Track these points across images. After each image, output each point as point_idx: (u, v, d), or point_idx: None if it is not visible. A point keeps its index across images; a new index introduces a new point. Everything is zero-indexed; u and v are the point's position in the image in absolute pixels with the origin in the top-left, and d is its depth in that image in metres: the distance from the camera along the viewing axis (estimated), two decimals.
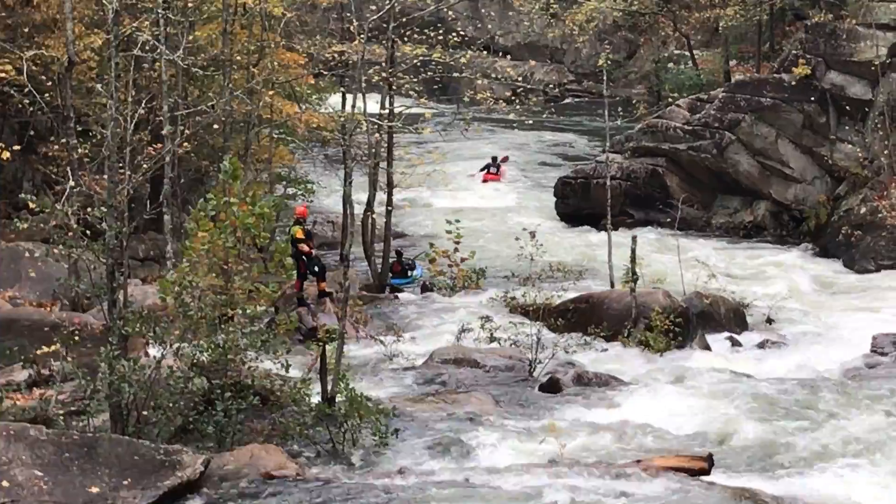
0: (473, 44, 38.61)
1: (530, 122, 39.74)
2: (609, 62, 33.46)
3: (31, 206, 17.94)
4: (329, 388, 17.37)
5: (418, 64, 29.00)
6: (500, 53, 56.09)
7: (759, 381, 20.77)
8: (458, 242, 29.39)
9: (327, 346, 17.82)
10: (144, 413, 15.96)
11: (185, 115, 26.50)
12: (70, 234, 17.73)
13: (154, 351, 16.91)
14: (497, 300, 26.75)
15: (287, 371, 17.43)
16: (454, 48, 31.56)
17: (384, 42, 29.88)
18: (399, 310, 26.98)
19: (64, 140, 24.78)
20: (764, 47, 42.74)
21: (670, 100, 38.74)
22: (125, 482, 14.07)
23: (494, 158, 43.54)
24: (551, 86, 57.56)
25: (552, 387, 20.51)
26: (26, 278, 25.05)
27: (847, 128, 34.55)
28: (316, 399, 17.26)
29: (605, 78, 33.11)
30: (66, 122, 24.70)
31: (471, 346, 23.30)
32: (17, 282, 25.05)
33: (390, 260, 29.98)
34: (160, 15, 24.24)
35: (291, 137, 33.32)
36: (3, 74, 25.24)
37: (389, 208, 29.64)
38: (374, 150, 29.07)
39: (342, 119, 28.59)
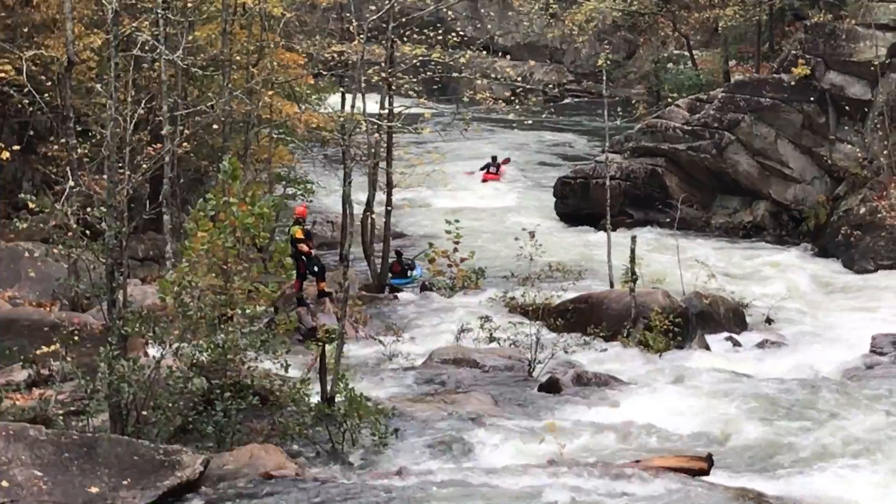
0: (473, 44, 38.59)
1: (530, 122, 39.83)
2: (608, 62, 33.48)
3: (31, 205, 17.93)
4: (328, 388, 17.37)
5: (418, 64, 29.01)
6: (500, 53, 56.08)
7: (758, 381, 20.78)
8: (457, 242, 29.39)
9: (327, 346, 17.82)
10: (144, 413, 15.96)
11: (184, 115, 26.51)
12: (70, 234, 17.73)
13: (153, 351, 16.91)
14: (496, 300, 26.75)
15: (286, 371, 17.43)
16: (453, 48, 31.56)
17: (383, 42, 29.90)
18: (398, 310, 26.98)
19: (63, 140, 24.79)
20: (763, 47, 42.76)
21: (670, 100, 38.76)
22: (125, 482, 14.07)
23: (494, 158, 43.53)
24: (551, 86, 57.54)
25: (552, 387, 20.51)
26: (26, 278, 25.05)
27: (846, 128, 34.55)
28: (315, 399, 17.25)
29: (604, 78, 33.13)
30: (65, 122, 24.70)
31: (470, 346, 23.31)
32: (17, 282, 25.05)
33: (390, 260, 29.99)
34: (160, 15, 24.27)
35: (291, 137, 33.32)
36: (2, 74, 25.24)
37: (389, 208, 29.64)
38: (373, 150, 29.08)
39: (342, 119, 28.62)
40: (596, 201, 33.29)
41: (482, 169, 43.09)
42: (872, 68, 33.36)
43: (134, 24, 21.96)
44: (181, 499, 14.25)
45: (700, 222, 35.50)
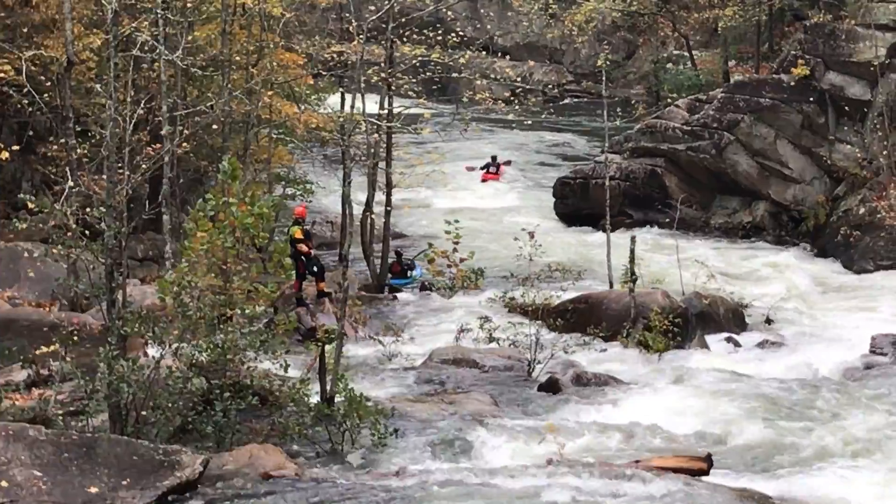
0: (472, 44, 38.54)
1: (529, 122, 39.81)
2: (608, 62, 33.47)
3: (30, 206, 17.94)
4: (328, 388, 17.38)
5: (417, 64, 29.01)
6: (499, 54, 55.98)
7: (758, 382, 20.78)
8: (456, 242, 29.37)
9: (326, 347, 17.83)
10: (143, 413, 15.96)
11: (183, 115, 26.49)
12: (69, 234, 17.74)
13: (153, 351, 16.91)
14: (496, 300, 26.75)
15: (286, 371, 17.44)
16: (453, 48, 31.56)
17: (383, 42, 29.90)
18: (398, 310, 26.99)
19: (63, 140, 24.78)
20: (763, 48, 42.77)
21: (669, 100, 38.75)
22: (124, 482, 14.07)
23: (494, 158, 43.52)
24: (550, 86, 57.53)
25: (551, 387, 20.51)
26: (25, 278, 25.04)
27: (846, 128, 34.54)
28: (315, 399, 17.25)
29: (604, 78, 33.13)
30: (64, 123, 24.69)
31: (470, 347, 23.31)
32: (16, 282, 25.04)
33: (390, 260, 29.97)
34: (159, 15, 24.27)
35: (290, 138, 33.30)
36: (2, 75, 25.23)
37: (388, 208, 29.62)
38: (372, 151, 29.07)
39: (341, 119, 28.61)
40: (595, 201, 33.28)
41: (482, 168, 43.09)
42: (872, 69, 33.35)
43: (133, 25, 21.95)
44: (181, 499, 14.25)
45: (699, 222, 35.49)
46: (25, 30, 27.54)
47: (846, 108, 34.22)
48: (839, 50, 34.07)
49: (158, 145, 23.91)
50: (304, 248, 24.57)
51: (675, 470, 15.35)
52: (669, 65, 51.47)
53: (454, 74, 29.92)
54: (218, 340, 16.57)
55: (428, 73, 29.12)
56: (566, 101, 58.38)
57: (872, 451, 17.03)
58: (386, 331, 24.67)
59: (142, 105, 20.01)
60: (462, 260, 29.28)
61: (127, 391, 15.64)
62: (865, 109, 34.02)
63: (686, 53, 49.97)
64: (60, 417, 16.01)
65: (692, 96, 38.70)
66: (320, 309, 24.91)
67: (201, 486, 14.54)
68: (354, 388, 17.06)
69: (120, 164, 17.88)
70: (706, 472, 15.63)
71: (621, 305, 24.39)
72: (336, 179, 33.00)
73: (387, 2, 27.70)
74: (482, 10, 60.15)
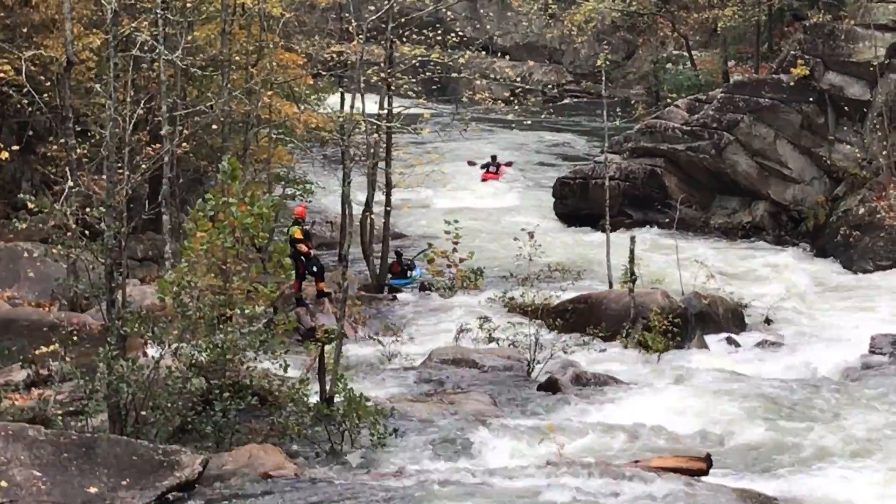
0: (472, 44, 38.54)
1: (529, 122, 39.82)
2: (607, 62, 33.47)
3: (30, 206, 17.94)
4: (327, 388, 17.37)
5: (417, 64, 29.02)
6: (499, 54, 55.98)
7: (758, 381, 20.78)
8: (456, 243, 29.38)
9: (326, 347, 17.82)
10: (143, 413, 15.95)
11: (183, 115, 26.50)
12: (69, 234, 17.74)
13: (152, 351, 16.91)
14: (495, 300, 26.76)
15: (285, 371, 17.43)
16: (453, 48, 31.57)
17: (383, 42, 29.90)
18: (397, 310, 26.99)
19: (63, 140, 24.78)
20: (762, 48, 42.76)
21: (669, 100, 38.74)
22: (123, 482, 14.07)
23: (494, 157, 43.51)
24: (550, 86, 57.52)
25: (551, 387, 20.51)
26: (25, 278, 25.04)
27: (845, 128, 34.53)
28: (314, 399, 17.24)
29: (603, 78, 33.14)
30: (64, 123, 24.69)
31: (469, 347, 23.30)
32: (16, 282, 25.05)
33: (389, 260, 29.97)
34: (159, 15, 24.27)
35: (290, 138, 33.30)
36: (1, 75, 25.23)
37: (388, 208, 29.62)
38: (372, 151, 29.07)
39: (341, 119, 28.63)
40: (595, 201, 33.28)
41: (482, 168, 43.08)
42: (871, 69, 33.35)
43: (133, 25, 21.93)
44: (180, 499, 14.25)
45: (699, 223, 35.49)
46: (25, 30, 27.54)
47: (846, 108, 34.22)
48: (839, 50, 34.06)
49: (158, 145, 23.92)
50: (303, 248, 24.58)
51: (675, 470, 15.35)
52: (669, 65, 51.46)
53: (454, 74, 29.92)
54: (217, 340, 16.57)
55: (427, 73, 29.12)
56: (566, 101, 58.36)
57: (872, 451, 17.03)
58: (385, 331, 24.68)
59: (141, 105, 20.01)
60: (461, 260, 29.29)
61: (126, 391, 15.64)
62: (865, 109, 34.02)
63: (685, 53, 49.97)
64: (60, 417, 16.01)
65: (692, 96, 38.70)
66: (320, 309, 24.92)
67: (200, 486, 14.54)
68: (354, 388, 17.05)
69: (120, 164, 17.88)
70: (706, 473, 15.63)
71: (621, 305, 24.40)
72: (336, 179, 33.00)
73: (386, 2, 27.71)
74: (482, 11, 60.14)
